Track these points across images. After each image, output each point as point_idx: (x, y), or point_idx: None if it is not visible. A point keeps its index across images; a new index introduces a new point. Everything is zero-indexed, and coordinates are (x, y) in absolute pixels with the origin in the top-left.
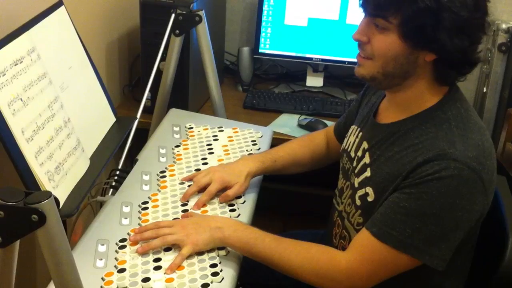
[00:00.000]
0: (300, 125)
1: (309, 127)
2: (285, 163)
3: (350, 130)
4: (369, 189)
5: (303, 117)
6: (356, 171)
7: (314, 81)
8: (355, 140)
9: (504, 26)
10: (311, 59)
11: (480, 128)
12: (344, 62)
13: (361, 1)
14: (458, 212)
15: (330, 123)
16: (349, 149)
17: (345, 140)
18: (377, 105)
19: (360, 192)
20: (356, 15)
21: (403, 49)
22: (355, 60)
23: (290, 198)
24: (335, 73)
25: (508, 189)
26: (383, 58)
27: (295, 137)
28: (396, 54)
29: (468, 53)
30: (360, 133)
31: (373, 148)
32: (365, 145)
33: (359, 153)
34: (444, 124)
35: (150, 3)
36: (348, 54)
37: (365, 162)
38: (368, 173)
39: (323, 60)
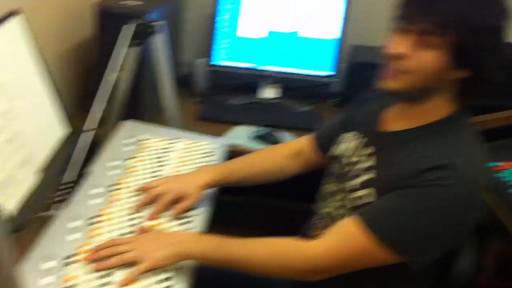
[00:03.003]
0: (256, 137)
1: (265, 139)
2: (242, 175)
3: (346, 137)
4: (372, 190)
5: (258, 128)
6: (353, 174)
7: (269, 92)
8: (354, 146)
9: None
10: (266, 71)
11: (482, 149)
12: (299, 74)
13: (408, 16)
14: (450, 221)
15: (285, 134)
16: (345, 155)
17: (335, 147)
18: (380, 112)
19: (360, 193)
20: (311, 28)
21: (444, 67)
22: (309, 72)
23: (247, 210)
24: (290, 85)
25: None
26: (422, 74)
27: (251, 148)
28: (437, 71)
29: (495, 74)
30: (365, 139)
31: (380, 152)
32: (371, 149)
33: (363, 157)
34: (452, 136)
35: (107, 13)
36: (302, 66)
37: (368, 165)
38: (373, 174)
39: (278, 72)
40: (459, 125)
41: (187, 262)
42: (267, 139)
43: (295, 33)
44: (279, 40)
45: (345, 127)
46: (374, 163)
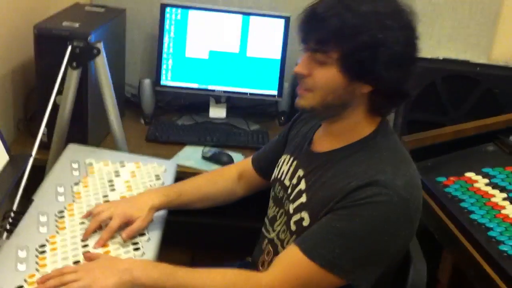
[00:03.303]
0: (205, 157)
1: (213, 159)
2: (190, 198)
3: (282, 160)
4: (304, 214)
5: (207, 148)
6: (291, 198)
7: (217, 112)
8: (289, 169)
9: None
10: (213, 90)
11: (407, 160)
12: (246, 93)
13: (302, 38)
14: (385, 237)
15: (234, 154)
16: (282, 178)
17: (276, 170)
18: (311, 134)
19: (296, 218)
20: (256, 48)
21: (342, 82)
22: (256, 91)
23: (197, 231)
24: (238, 104)
25: None
26: (323, 90)
27: (200, 169)
28: (335, 86)
29: (400, 85)
30: (295, 162)
31: (308, 175)
32: (300, 172)
33: (294, 180)
34: (376, 153)
35: (45, 35)
36: (249, 85)
37: (300, 189)
38: (303, 198)
39: (225, 91)
40: (383, 140)
41: None
42: (216, 159)
43: (241, 53)
44: (226, 60)
45: (283, 149)
46: (304, 186)
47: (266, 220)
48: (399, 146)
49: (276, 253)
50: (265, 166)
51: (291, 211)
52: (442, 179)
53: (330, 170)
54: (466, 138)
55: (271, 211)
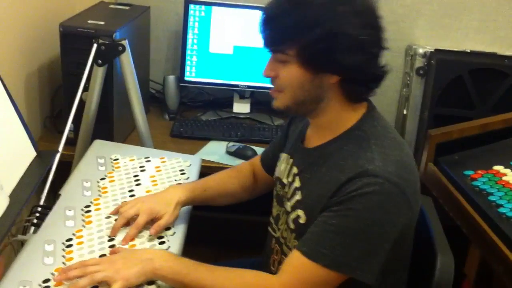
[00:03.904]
0: (229, 152)
1: (238, 154)
2: (214, 194)
3: (281, 158)
4: (300, 212)
5: (231, 143)
6: (288, 196)
7: (241, 107)
8: (286, 167)
9: (421, 50)
10: (237, 86)
11: (398, 144)
12: (269, 88)
13: (262, 41)
14: (384, 226)
15: (258, 149)
16: (281, 177)
17: (277, 168)
18: (304, 131)
19: (293, 216)
20: None
21: (306, 77)
22: None
23: (220, 227)
24: (261, 99)
25: (434, 209)
26: (291, 88)
27: (224, 164)
28: (301, 82)
29: (367, 69)
30: (291, 160)
31: (302, 172)
32: (295, 170)
33: (290, 178)
34: (363, 143)
35: (71, 33)
36: None
37: (296, 186)
38: (299, 196)
39: (249, 86)
40: (370, 128)
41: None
42: (241, 154)
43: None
44: (249, 55)
45: (282, 147)
46: (298, 184)
47: (272, 219)
48: (388, 131)
49: (282, 252)
50: (270, 164)
51: (288, 209)
52: (469, 172)
53: (322, 166)
54: (494, 132)
55: (275, 210)
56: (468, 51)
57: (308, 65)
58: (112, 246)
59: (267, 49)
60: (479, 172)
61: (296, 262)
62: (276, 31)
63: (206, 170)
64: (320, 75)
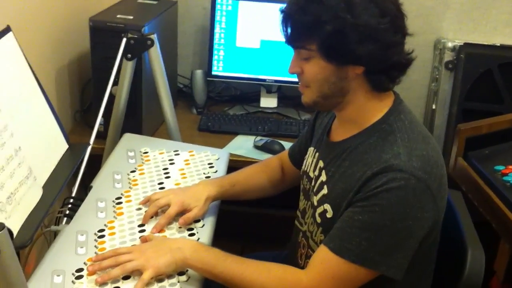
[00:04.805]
0: (256, 146)
1: (265, 148)
2: (243, 188)
3: (308, 152)
4: (327, 206)
5: (258, 138)
6: (314, 190)
7: (268, 102)
8: (312, 161)
9: (450, 44)
10: (264, 80)
11: (424, 138)
12: (297, 82)
13: (284, 39)
14: (409, 221)
15: (286, 143)
16: (308, 170)
17: (304, 162)
18: (330, 125)
19: (319, 210)
20: None
21: (330, 70)
22: None
23: (247, 221)
24: (289, 94)
25: (463, 203)
26: (317, 82)
27: (252, 158)
28: (326, 76)
29: (390, 57)
30: (317, 153)
31: (328, 166)
32: (321, 164)
33: (316, 172)
34: (389, 137)
35: (100, 28)
36: None
37: (322, 180)
38: (325, 190)
39: (276, 81)
40: (396, 121)
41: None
42: (268, 148)
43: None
44: (276, 49)
45: (311, 140)
46: (324, 178)
47: (298, 213)
48: (414, 125)
49: (309, 246)
50: (298, 158)
51: (315, 203)
52: (500, 167)
53: (347, 160)
54: None
55: (301, 204)
56: (498, 44)
57: (330, 58)
58: (143, 237)
59: (290, 46)
60: (510, 167)
61: (323, 258)
62: (296, 28)
63: (234, 164)
64: (344, 67)
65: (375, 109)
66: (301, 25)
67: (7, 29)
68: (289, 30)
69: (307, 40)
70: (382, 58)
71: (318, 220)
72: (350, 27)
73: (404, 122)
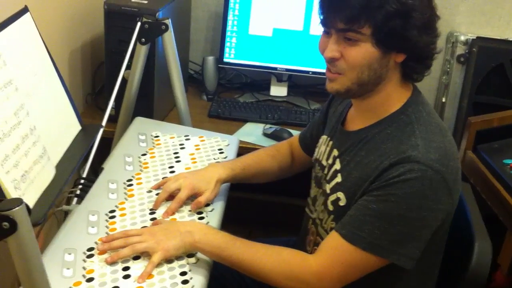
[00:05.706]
0: (265, 134)
1: (274, 136)
2: (253, 172)
3: (321, 140)
4: (340, 194)
5: (268, 126)
6: (327, 178)
7: (278, 90)
8: (326, 149)
9: (462, 38)
10: (275, 68)
11: (442, 130)
12: (307, 72)
13: (324, 19)
14: (423, 212)
15: (295, 132)
16: (320, 158)
17: (316, 150)
18: (345, 113)
19: (332, 198)
20: (320, 26)
21: (376, 56)
22: (318, 70)
23: (256, 207)
24: (299, 83)
25: (472, 196)
26: (358, 68)
27: (261, 145)
28: (370, 62)
29: (433, 47)
30: (331, 142)
31: (343, 154)
32: (335, 152)
33: (330, 161)
34: (408, 127)
35: (115, 11)
36: (311, 64)
37: (335, 169)
38: (339, 178)
39: (287, 69)
40: (415, 112)
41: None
42: (277, 136)
43: (304, 31)
44: (288, 38)
45: (323, 127)
46: (339, 166)
47: (309, 200)
48: (432, 117)
49: (318, 233)
50: (309, 144)
51: (328, 191)
52: (509, 161)
53: (363, 149)
54: None
55: (312, 191)
56: (511, 39)
57: (381, 43)
58: (153, 219)
59: (331, 28)
60: None
61: (334, 244)
62: (352, 9)
63: (243, 151)
64: (389, 53)
65: (397, 98)
66: (358, 7)
67: (25, 10)
68: (341, 12)
69: (362, 23)
70: (429, 48)
71: (330, 208)
72: (408, 14)
73: (422, 114)
